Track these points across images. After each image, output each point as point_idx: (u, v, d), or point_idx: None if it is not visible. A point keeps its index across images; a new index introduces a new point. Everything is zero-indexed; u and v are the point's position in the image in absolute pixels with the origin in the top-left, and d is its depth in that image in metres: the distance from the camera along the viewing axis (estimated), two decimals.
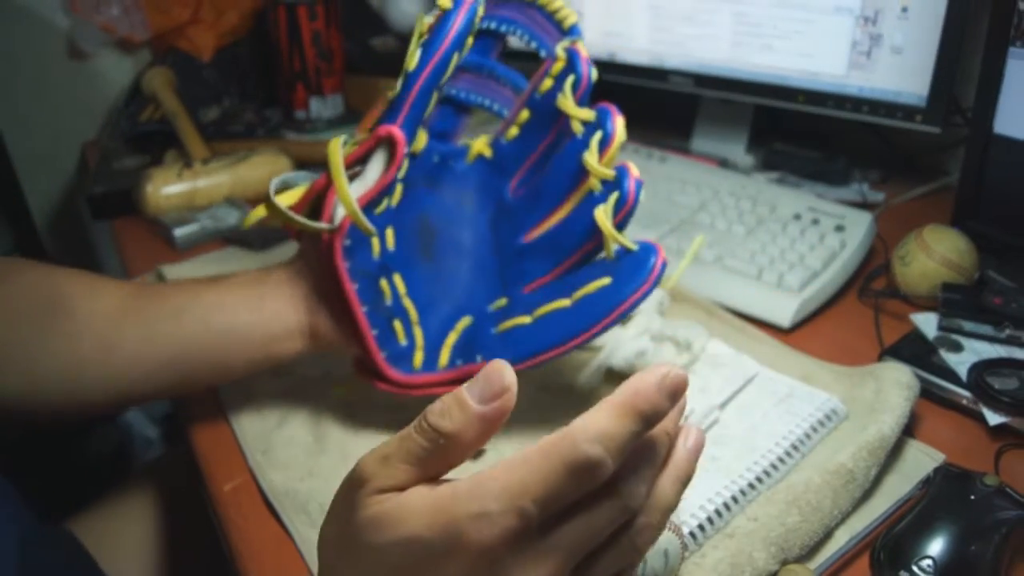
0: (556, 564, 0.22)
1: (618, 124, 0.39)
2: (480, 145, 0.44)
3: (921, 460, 0.41)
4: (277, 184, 0.38)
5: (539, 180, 0.42)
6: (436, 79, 0.38)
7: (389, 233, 0.40)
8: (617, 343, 0.47)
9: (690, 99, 0.77)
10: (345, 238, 0.38)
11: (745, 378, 0.45)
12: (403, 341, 0.40)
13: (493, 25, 0.44)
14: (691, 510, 0.36)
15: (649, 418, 0.22)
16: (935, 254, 0.53)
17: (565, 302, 0.38)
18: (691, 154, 0.77)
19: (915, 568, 0.33)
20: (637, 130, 0.82)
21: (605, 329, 0.37)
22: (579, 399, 0.46)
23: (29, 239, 0.95)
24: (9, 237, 0.93)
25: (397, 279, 0.40)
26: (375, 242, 0.39)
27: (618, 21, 0.75)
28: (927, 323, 0.50)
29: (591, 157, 0.39)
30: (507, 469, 0.21)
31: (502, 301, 0.41)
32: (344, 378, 0.45)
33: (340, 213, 0.37)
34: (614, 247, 0.38)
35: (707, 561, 0.34)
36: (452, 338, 0.41)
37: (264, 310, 0.40)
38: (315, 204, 0.39)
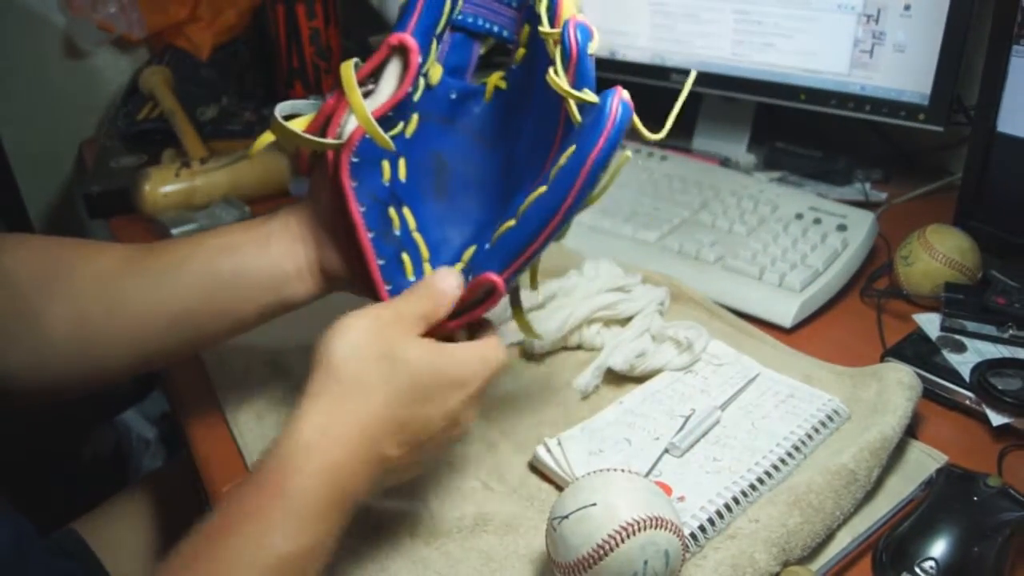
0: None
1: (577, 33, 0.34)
2: (495, 79, 0.42)
3: (923, 461, 0.41)
4: (283, 109, 0.37)
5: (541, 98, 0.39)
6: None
7: (401, 163, 0.39)
8: (618, 344, 0.47)
9: (691, 97, 0.76)
10: (353, 155, 0.36)
11: (746, 379, 0.45)
12: (411, 276, 0.38)
13: None
14: (692, 511, 0.36)
15: None
16: (938, 254, 0.52)
17: (542, 188, 0.34)
18: (692, 153, 0.76)
19: (917, 570, 0.33)
20: None
21: (580, 196, 0.33)
22: (579, 399, 0.45)
23: None
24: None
25: (407, 212, 0.39)
26: (386, 166, 0.38)
27: (619, 19, 0.75)
28: (930, 323, 0.49)
29: (542, 27, 0.35)
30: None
31: (511, 223, 0.37)
32: None
33: (348, 129, 0.36)
34: (576, 108, 0.33)
35: (708, 563, 0.34)
36: (457, 268, 0.38)
37: (271, 248, 0.38)
38: (324, 128, 0.37)
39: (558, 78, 0.34)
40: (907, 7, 0.60)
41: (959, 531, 0.34)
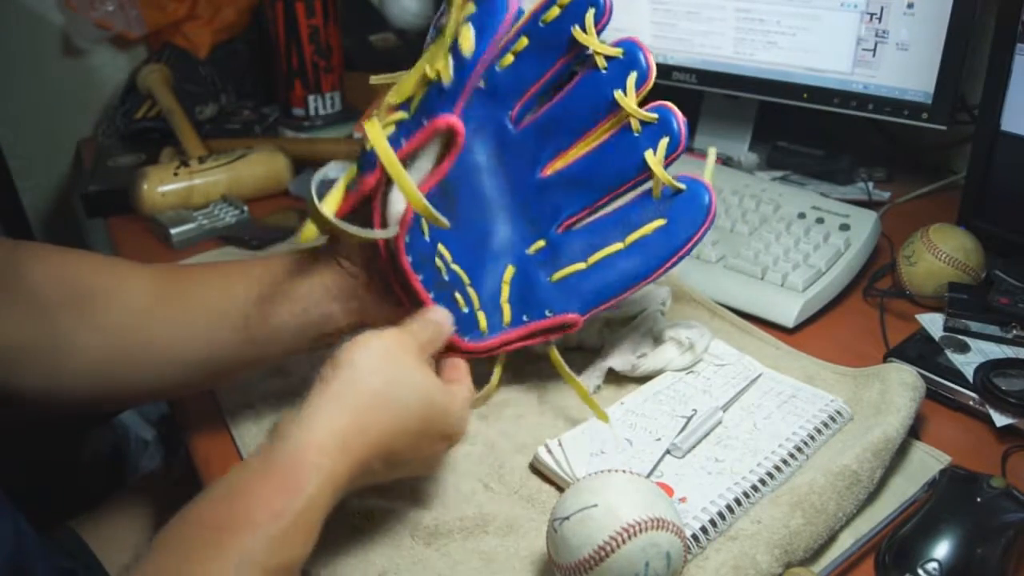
0: None
1: (651, 61, 0.39)
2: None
3: (927, 462, 0.41)
4: (317, 185, 0.35)
5: (552, 112, 0.41)
6: (495, 63, 0.37)
7: None
8: (619, 344, 0.47)
9: (693, 96, 0.76)
10: (405, 235, 0.36)
11: (748, 379, 0.45)
12: (464, 308, 0.39)
13: None
14: (694, 512, 0.36)
15: None
16: (941, 253, 0.52)
17: (619, 245, 0.39)
18: (694, 152, 0.76)
19: (920, 571, 0.33)
20: None
21: (668, 271, 0.39)
22: (581, 400, 0.45)
23: (23, 238, 0.94)
24: (2, 235, 0.92)
25: (442, 249, 0.40)
26: (424, 224, 0.38)
27: (620, 17, 0.74)
28: (933, 323, 0.49)
29: (629, 99, 0.38)
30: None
31: (540, 243, 0.41)
32: None
33: (396, 212, 0.35)
34: (662, 187, 0.39)
35: (710, 564, 0.34)
36: (505, 292, 0.41)
37: (309, 312, 0.38)
38: (360, 205, 0.36)
39: (658, 162, 0.39)
40: (910, 5, 0.59)
41: (962, 532, 0.34)
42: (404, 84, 0.37)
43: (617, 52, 0.39)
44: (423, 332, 0.36)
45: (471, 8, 0.36)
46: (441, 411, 0.34)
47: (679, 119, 0.38)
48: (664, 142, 0.38)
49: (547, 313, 0.40)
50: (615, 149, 0.40)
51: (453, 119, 0.35)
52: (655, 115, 0.39)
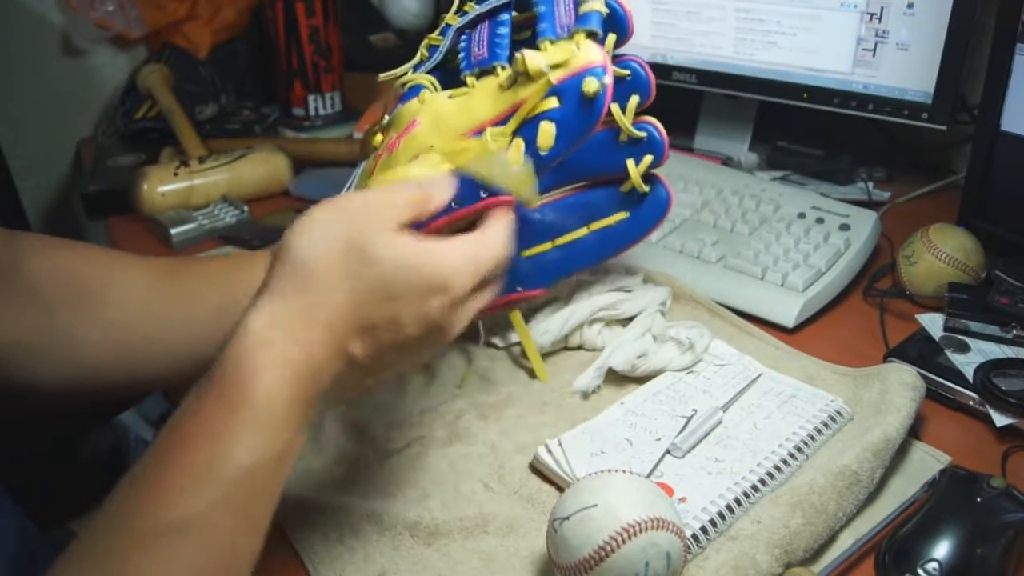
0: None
1: (653, 85, 0.42)
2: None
3: (927, 462, 0.41)
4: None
5: None
6: None
7: None
8: (619, 344, 0.47)
9: (693, 96, 0.76)
10: None
11: (748, 379, 0.45)
12: None
13: None
14: (694, 512, 0.36)
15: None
16: (941, 253, 0.52)
17: (583, 231, 0.45)
18: (694, 152, 0.76)
19: (920, 571, 0.33)
20: None
21: (623, 252, 0.46)
22: (580, 400, 0.45)
23: None
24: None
25: None
26: None
27: None
28: (933, 323, 0.49)
29: (627, 118, 0.41)
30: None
31: None
32: None
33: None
34: (632, 188, 0.44)
35: (710, 564, 0.34)
36: None
37: None
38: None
39: (637, 172, 0.43)
40: (910, 5, 0.59)
41: (962, 532, 0.34)
42: (452, 132, 0.37)
43: (624, 73, 0.41)
44: (401, 194, 0.32)
45: (554, 102, 0.34)
46: (414, 267, 0.30)
47: (663, 138, 0.43)
48: (648, 159, 0.42)
49: (518, 288, 0.45)
50: (599, 147, 0.43)
51: (513, 201, 0.37)
52: (644, 133, 0.42)
